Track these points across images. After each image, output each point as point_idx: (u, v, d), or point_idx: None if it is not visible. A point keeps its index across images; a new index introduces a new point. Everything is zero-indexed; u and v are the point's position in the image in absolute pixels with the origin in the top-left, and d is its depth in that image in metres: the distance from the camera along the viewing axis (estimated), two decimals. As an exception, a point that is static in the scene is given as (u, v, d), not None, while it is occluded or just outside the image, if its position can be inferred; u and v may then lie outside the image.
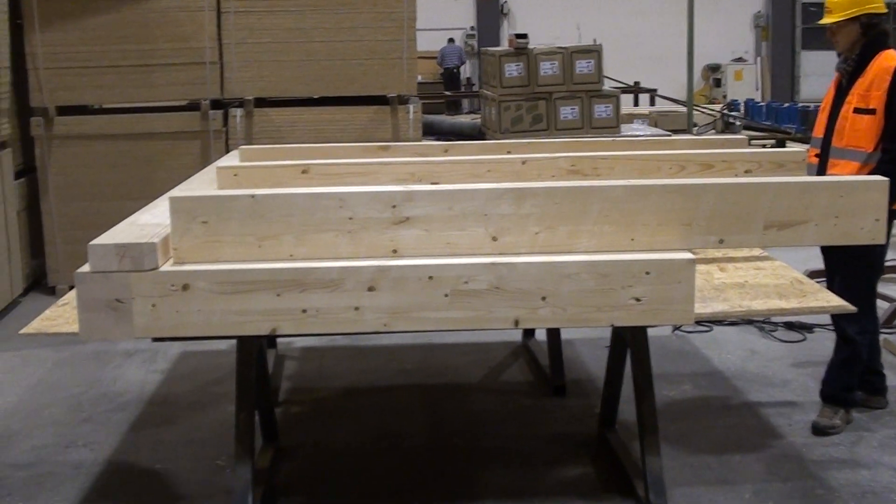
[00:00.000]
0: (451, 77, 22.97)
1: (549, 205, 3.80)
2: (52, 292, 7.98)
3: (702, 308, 3.84)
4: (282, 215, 3.71)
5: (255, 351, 4.19)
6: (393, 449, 4.88)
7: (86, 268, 3.62)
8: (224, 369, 5.99)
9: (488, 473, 4.58)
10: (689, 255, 3.71)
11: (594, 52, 9.37)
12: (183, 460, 4.80)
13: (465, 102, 20.83)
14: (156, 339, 3.79)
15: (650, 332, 4.18)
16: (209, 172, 5.14)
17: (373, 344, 6.38)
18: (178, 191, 4.40)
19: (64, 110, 7.96)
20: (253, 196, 3.72)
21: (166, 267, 3.64)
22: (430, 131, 10.52)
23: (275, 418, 4.90)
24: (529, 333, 6.41)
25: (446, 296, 3.65)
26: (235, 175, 4.74)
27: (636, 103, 16.48)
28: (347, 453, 4.84)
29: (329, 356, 6.25)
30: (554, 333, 5.64)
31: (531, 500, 4.30)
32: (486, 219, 3.79)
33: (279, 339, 6.11)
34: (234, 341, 4.79)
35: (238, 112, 7.97)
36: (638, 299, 3.67)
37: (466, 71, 24.04)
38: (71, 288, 7.52)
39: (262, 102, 8.07)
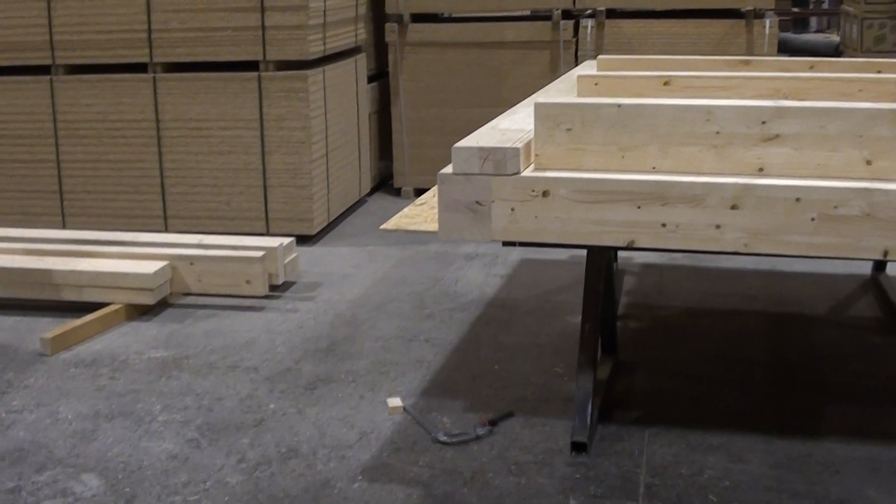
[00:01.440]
0: (800, -8, 21.81)
1: (933, 129, 3.51)
2: (397, 193, 8.29)
3: None
4: (646, 126, 3.63)
5: (605, 263, 4.16)
6: (731, 374, 4.74)
7: (448, 169, 3.69)
8: (562, 280, 6.03)
9: (831, 409, 4.37)
10: None
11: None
12: (521, 364, 4.87)
13: (813, 20, 19.75)
14: (506, 244, 3.82)
15: None
16: (565, 81, 5.12)
17: (714, 266, 6.22)
18: (539, 97, 4.40)
19: (417, 18, 8.16)
20: (619, 105, 3.66)
21: (527, 172, 3.66)
22: (782, 49, 10.03)
23: (616, 332, 4.88)
24: (881, 267, 6.04)
25: (813, 220, 3.46)
26: (596, 84, 4.68)
27: None
28: (684, 373, 4.76)
29: (669, 275, 6.15)
30: (909, 268, 5.28)
31: (875, 440, 4.06)
32: (861, 140, 3.55)
33: (619, 254, 6.07)
34: (575, 252, 4.82)
35: (589, 23, 7.89)
36: None
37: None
38: (416, 191, 7.93)
39: (612, 13, 7.94)
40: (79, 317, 5.41)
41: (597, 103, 3.72)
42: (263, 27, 6.71)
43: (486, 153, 3.62)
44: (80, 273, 5.68)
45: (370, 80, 8.31)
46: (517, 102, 4.82)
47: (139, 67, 6.99)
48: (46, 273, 5.71)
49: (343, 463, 3.93)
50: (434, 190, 4.05)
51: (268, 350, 5.11)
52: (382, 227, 4.15)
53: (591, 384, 4.08)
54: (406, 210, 4.28)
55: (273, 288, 5.91)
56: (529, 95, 5.06)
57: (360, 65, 7.97)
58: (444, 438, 4.06)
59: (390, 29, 8.12)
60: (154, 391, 4.66)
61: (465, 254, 6.60)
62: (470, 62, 8.07)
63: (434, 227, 3.81)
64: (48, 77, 7.11)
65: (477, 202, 3.65)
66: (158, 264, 5.69)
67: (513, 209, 3.63)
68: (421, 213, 4.20)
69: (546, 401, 4.46)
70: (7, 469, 3.97)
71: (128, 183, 7.08)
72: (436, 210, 3.76)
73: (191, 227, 6.90)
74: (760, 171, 3.61)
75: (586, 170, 3.67)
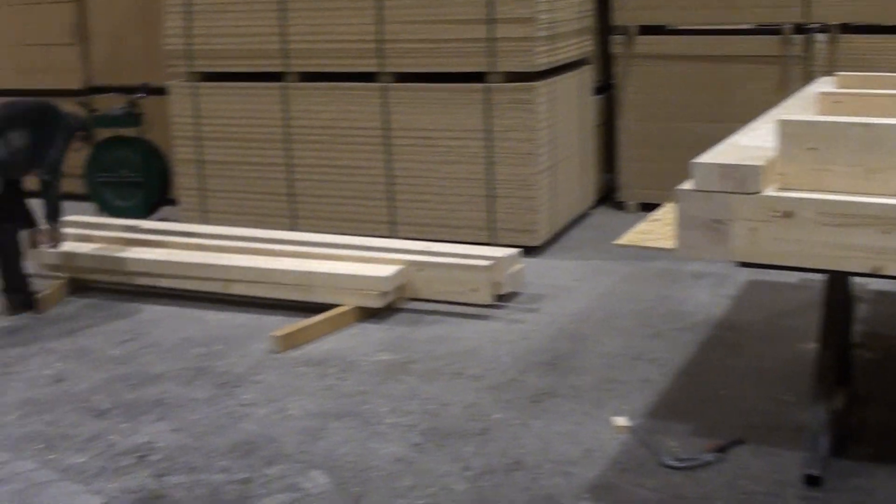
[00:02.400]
0: None
1: None
2: (620, 207, 8.22)
3: None
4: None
5: (846, 289, 4.01)
6: (978, 411, 4.49)
7: (687, 185, 3.63)
8: (793, 303, 5.84)
9: None
10: None
11: None
12: (749, 389, 4.74)
13: None
14: (742, 264, 3.72)
15: None
16: (803, 98, 4.95)
17: (955, 295, 5.90)
18: (779, 115, 4.27)
19: (644, 30, 8.07)
20: (867, 125, 3.51)
21: (769, 192, 3.56)
22: None
23: (851, 361, 4.69)
24: None
25: None
26: (838, 102, 4.52)
27: None
28: (925, 408, 4.53)
29: (905, 303, 5.88)
30: None
31: None
32: None
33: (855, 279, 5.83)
34: (805, 275, 4.64)
35: (821, 37, 7.61)
36: None
37: None
38: (641, 205, 7.84)
39: (846, 28, 7.64)
40: (309, 316, 5.60)
41: (843, 122, 3.59)
42: (491, 39, 6.78)
43: (726, 170, 3.54)
44: (313, 274, 5.88)
45: (596, 92, 8.27)
46: (745, 118, 4.69)
47: (369, 76, 7.19)
48: (283, 273, 5.94)
49: (568, 479, 3.92)
50: (668, 206, 3.99)
51: (492, 359, 5.16)
52: (616, 241, 4.14)
53: (826, 415, 3.93)
54: (641, 226, 4.25)
55: (498, 298, 5.96)
56: (757, 111, 4.91)
57: (586, 77, 7.95)
58: (671, 462, 4.00)
59: (616, 41, 8.06)
60: (381, 393, 4.77)
61: (691, 272, 6.47)
62: (696, 75, 7.93)
63: (669, 243, 3.76)
64: (281, 84, 7.41)
65: (716, 220, 3.57)
66: (393, 268, 5.83)
67: (754, 229, 3.53)
68: (656, 229, 4.17)
69: (775, 429, 4.32)
70: (239, 460, 4.14)
71: (356, 188, 7.28)
72: (670, 226, 3.71)
73: (417, 233, 7.03)
74: None
75: (830, 191, 3.54)
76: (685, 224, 3.61)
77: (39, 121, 5.99)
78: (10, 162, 5.89)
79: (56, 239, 6.14)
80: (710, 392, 4.72)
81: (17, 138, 5.90)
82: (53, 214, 6.05)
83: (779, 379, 4.83)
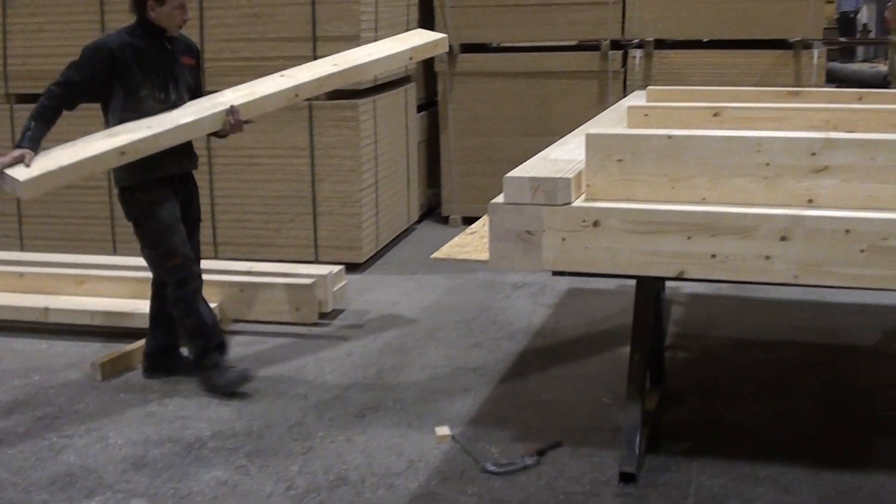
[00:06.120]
0: (846, 22, 21.69)
1: (981, 161, 3.50)
2: (445, 222, 8.34)
3: None
4: (697, 157, 3.65)
5: (654, 293, 4.17)
6: (780, 405, 4.72)
7: (499, 199, 3.73)
8: (610, 309, 6.04)
9: (881, 442, 4.34)
10: None
11: None
12: (569, 394, 4.88)
13: (860, 50, 19.64)
14: (556, 273, 3.85)
15: None
16: (615, 112, 5.15)
17: (760, 296, 6.19)
18: (590, 128, 4.43)
19: (466, 48, 8.23)
20: (669, 136, 3.68)
21: (578, 202, 3.69)
22: (829, 79, 9.99)
23: (664, 362, 4.88)
24: (932, 298, 6.00)
25: (862, 251, 3.46)
26: (646, 115, 4.71)
27: None
28: (733, 404, 4.73)
29: (716, 305, 6.13)
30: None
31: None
32: (911, 172, 3.56)
33: (667, 283, 6.06)
34: (623, 282, 4.82)
35: (637, 53, 7.91)
36: None
37: (863, 17, 22.59)
38: (464, 219, 7.97)
39: (660, 44, 7.97)
40: (129, 343, 5.48)
41: (648, 134, 3.75)
42: (315, 57, 6.80)
43: (537, 183, 3.65)
44: (132, 300, 5.77)
45: (419, 109, 8.38)
46: (566, 132, 4.85)
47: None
48: (102, 300, 5.81)
49: (391, 491, 3.95)
50: (484, 219, 4.09)
51: (316, 378, 5.16)
52: (433, 255, 4.20)
53: (640, 414, 4.08)
54: (456, 239, 4.32)
55: (322, 316, 5.96)
56: (578, 125, 5.09)
57: (410, 94, 8.04)
58: (492, 468, 4.07)
59: (440, 59, 8.18)
60: (204, 417, 4.71)
61: (512, 283, 6.62)
62: (518, 92, 8.13)
63: (484, 256, 3.85)
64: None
65: (528, 232, 3.68)
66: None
67: (563, 239, 3.65)
68: (471, 242, 4.24)
69: (594, 431, 4.46)
70: (58, 493, 4.03)
71: (179, 210, 7.16)
72: (486, 239, 3.80)
73: (241, 254, 6.96)
74: (810, 203, 3.61)
75: (637, 200, 3.69)
76: (498, 236, 3.71)
77: None
78: None
79: None
80: (530, 398, 4.84)
81: None
82: None
83: (597, 382, 4.99)
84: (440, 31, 8.11)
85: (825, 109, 4.75)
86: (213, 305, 5.71)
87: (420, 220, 8.46)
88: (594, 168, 3.73)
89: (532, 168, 3.85)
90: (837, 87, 10.61)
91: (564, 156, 4.06)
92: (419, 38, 5.86)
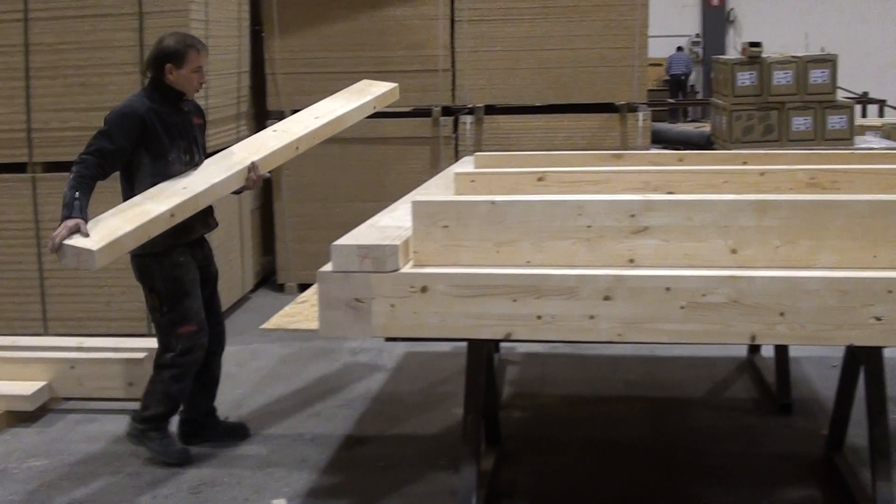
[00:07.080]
0: (676, 84, 22.63)
1: (791, 218, 3.69)
2: (281, 289, 8.28)
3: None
4: (520, 222, 3.74)
5: (485, 355, 4.22)
6: (615, 459, 4.82)
7: (328, 267, 3.73)
8: (447, 371, 6.08)
9: (711, 491, 4.47)
10: (940, 276, 3.52)
11: (829, 61, 9.02)
12: (405, 458, 4.88)
13: (689, 110, 20.47)
14: (389, 339, 3.87)
15: (885, 353, 3.99)
16: (444, 177, 5.22)
17: (594, 353, 6.33)
18: (417, 195, 4.48)
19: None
20: (493, 202, 3.76)
21: (406, 269, 3.72)
22: (657, 139, 10.38)
23: (499, 422, 4.93)
24: (755, 349, 6.23)
25: (683, 308, 3.59)
26: (472, 181, 4.80)
27: (864, 114, 15.77)
28: (569, 461, 4.81)
29: (551, 363, 6.24)
30: (782, 350, 5.45)
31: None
32: (726, 231, 3.72)
33: (501, 344, 6.15)
34: (459, 344, 4.88)
35: (468, 119, 8.06)
36: (879, 318, 3.52)
37: (691, 79, 23.61)
38: (300, 286, 7.92)
39: (491, 109, 8.14)
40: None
41: (471, 201, 3.82)
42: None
43: (365, 251, 3.67)
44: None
45: (253, 176, 8.31)
46: (398, 197, 4.89)
47: (18, 167, 6.90)
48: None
49: (227, 568, 3.87)
50: (315, 287, 4.08)
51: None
52: (263, 326, 4.16)
53: (475, 476, 4.11)
54: (287, 308, 4.30)
55: (156, 389, 5.80)
56: (411, 190, 5.14)
57: (250, 161, 7.97)
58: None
59: (272, 125, 8.14)
60: (33, 502, 4.52)
61: (350, 348, 6.60)
62: (353, 157, 8.16)
63: (315, 324, 3.83)
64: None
65: (357, 299, 3.69)
66: (36, 385, 5.58)
67: (392, 305, 3.67)
68: (302, 311, 4.23)
69: (431, 496, 4.46)
70: None
71: (6, 285, 6.92)
72: (316, 308, 3.79)
73: (71, 329, 6.75)
74: (631, 263, 3.73)
75: (463, 265, 3.75)
76: (327, 305, 3.71)
77: None
78: None
79: None
80: (368, 465, 4.82)
81: None
82: None
83: (435, 446, 5.00)
84: (272, 97, 8.18)
85: (646, 171, 4.93)
86: (41, 385, 5.55)
87: (256, 289, 8.38)
88: (421, 234, 3.77)
89: (360, 235, 3.88)
90: (664, 147, 11.01)
91: (393, 222, 4.09)
92: (376, 87, 5.97)
